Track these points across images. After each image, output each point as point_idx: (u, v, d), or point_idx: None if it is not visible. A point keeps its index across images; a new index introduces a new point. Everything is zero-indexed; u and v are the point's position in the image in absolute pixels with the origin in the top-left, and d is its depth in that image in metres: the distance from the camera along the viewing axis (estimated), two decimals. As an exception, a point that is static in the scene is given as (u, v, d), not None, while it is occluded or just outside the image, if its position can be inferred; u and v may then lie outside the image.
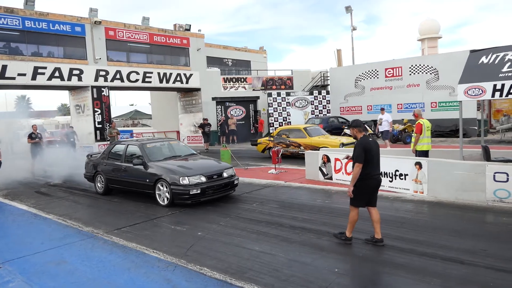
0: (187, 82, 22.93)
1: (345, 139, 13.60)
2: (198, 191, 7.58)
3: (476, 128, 18.80)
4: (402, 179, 8.09)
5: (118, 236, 6.10)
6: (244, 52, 31.40)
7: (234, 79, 25.31)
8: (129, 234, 6.19)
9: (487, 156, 8.13)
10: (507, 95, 7.28)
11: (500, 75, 7.38)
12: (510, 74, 7.27)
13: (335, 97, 24.48)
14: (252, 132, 25.02)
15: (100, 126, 19.32)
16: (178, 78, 22.57)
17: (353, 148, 5.23)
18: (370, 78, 23.14)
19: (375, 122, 21.14)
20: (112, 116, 20.92)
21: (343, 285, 4.08)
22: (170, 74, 22.21)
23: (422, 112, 9.62)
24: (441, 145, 15.36)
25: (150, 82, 21.56)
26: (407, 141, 16.56)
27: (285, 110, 24.17)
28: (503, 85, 7.23)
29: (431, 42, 34.03)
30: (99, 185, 9.58)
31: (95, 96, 19.26)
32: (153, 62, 21.97)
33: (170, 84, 22.40)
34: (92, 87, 19.21)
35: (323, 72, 27.08)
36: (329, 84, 26.42)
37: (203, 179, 7.76)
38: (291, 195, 8.67)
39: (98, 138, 19.16)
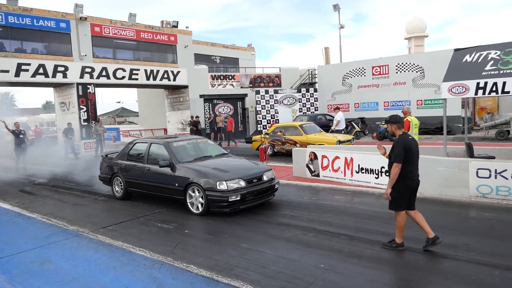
0: (174, 80, 22.74)
1: (341, 136, 13.52)
2: (238, 198, 6.63)
3: (460, 125, 19.13)
4: (388, 175, 8.16)
5: (103, 235, 6.04)
6: (232, 49, 31.28)
7: (222, 77, 25.24)
8: (115, 233, 6.14)
9: (470, 153, 8.29)
10: (489, 93, 7.43)
11: (483, 73, 7.52)
12: (492, 72, 7.42)
13: (323, 94, 24.60)
14: (240, 129, 25.02)
15: (86, 123, 19.04)
16: (166, 75, 22.37)
17: (391, 146, 4.91)
18: (357, 76, 23.32)
19: (362, 119, 21.45)
20: (98, 114, 20.62)
21: (329, 280, 4.12)
22: (157, 71, 21.99)
23: (410, 109, 9.73)
24: (426, 142, 15.58)
25: (137, 79, 21.32)
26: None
27: (273, 108, 24.20)
28: (485, 83, 7.37)
29: (417, 41, 34.49)
30: (117, 189, 8.63)
31: (80, 93, 18.95)
32: (140, 59, 21.72)
33: (157, 81, 22.19)
34: (78, 84, 18.89)
35: (311, 70, 27.18)
36: (316, 82, 26.52)
37: (242, 183, 6.82)
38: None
39: (84, 135, 18.88)
